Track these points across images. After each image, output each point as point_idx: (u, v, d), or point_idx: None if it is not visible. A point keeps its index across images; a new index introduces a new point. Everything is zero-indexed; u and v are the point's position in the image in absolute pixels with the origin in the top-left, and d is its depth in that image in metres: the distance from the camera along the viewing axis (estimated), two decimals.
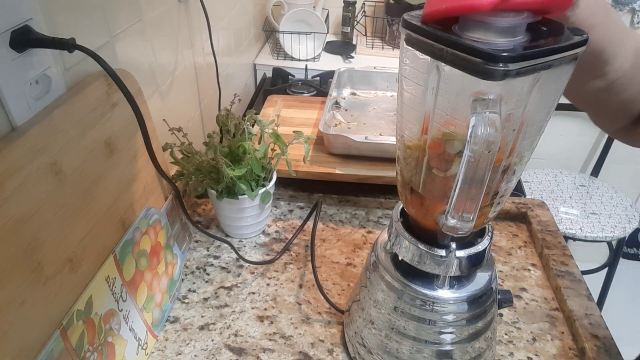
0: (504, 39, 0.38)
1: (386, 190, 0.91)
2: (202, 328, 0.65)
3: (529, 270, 0.77)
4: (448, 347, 0.53)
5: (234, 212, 0.76)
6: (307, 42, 1.57)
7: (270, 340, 0.64)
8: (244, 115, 0.76)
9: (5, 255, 0.41)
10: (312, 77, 1.49)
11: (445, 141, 0.45)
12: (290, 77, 1.49)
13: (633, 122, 0.57)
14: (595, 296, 1.46)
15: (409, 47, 0.42)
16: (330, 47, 1.69)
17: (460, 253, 0.49)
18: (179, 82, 0.90)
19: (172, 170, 0.76)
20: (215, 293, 0.71)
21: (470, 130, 0.38)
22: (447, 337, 0.53)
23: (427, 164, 0.47)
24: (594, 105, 0.56)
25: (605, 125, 0.61)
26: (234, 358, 0.61)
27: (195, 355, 0.62)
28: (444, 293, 0.51)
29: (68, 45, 0.49)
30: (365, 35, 1.80)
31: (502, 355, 0.63)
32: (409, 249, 0.51)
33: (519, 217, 0.87)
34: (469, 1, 0.36)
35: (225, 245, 0.77)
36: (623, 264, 2.01)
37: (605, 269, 1.86)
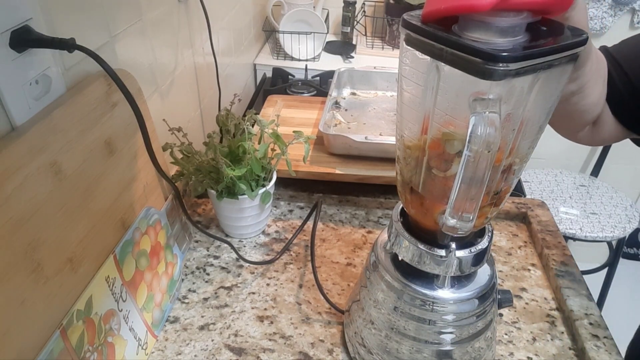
0: (504, 39, 0.38)
1: (386, 190, 0.91)
2: (202, 328, 0.65)
3: (529, 270, 0.77)
4: (448, 347, 0.53)
5: (234, 212, 0.76)
6: (307, 42, 1.57)
7: (270, 340, 0.64)
8: (244, 115, 0.76)
9: (5, 255, 0.41)
10: (312, 77, 1.49)
11: (445, 141, 0.45)
12: (290, 77, 1.49)
13: (585, 130, 0.63)
14: (595, 296, 1.46)
15: (409, 47, 0.42)
16: (330, 47, 1.69)
17: (460, 253, 0.49)
18: (179, 82, 0.90)
19: (172, 170, 0.76)
20: (215, 293, 0.71)
21: (470, 130, 0.38)
22: (447, 337, 0.53)
23: (427, 164, 0.47)
24: (565, 108, 0.59)
25: (569, 130, 0.66)
26: (234, 358, 0.62)
27: (195, 355, 0.62)
28: (444, 293, 0.51)
29: (68, 45, 0.49)
30: (365, 35, 1.80)
31: (502, 355, 0.63)
32: (408, 249, 0.51)
33: (519, 217, 0.87)
34: (468, 1, 0.37)
35: (225, 245, 0.77)
36: (623, 264, 2.01)
37: (605, 269, 1.86)
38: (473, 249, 0.50)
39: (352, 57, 1.64)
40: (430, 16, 0.40)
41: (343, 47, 1.70)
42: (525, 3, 0.38)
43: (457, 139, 0.44)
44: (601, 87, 0.59)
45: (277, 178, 0.80)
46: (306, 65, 1.52)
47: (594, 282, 1.56)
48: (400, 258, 0.53)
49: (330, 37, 1.79)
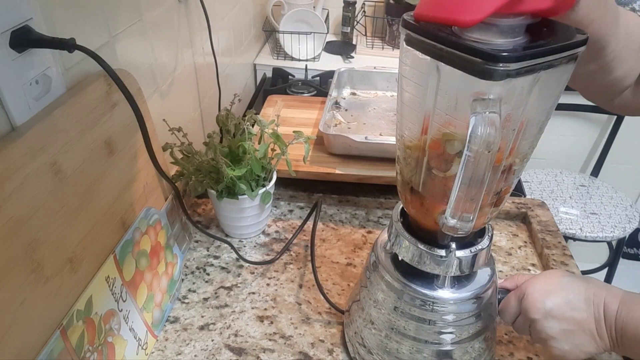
0: (504, 39, 0.38)
1: (386, 190, 0.91)
2: (202, 328, 0.65)
3: (529, 270, 0.77)
4: (448, 347, 0.53)
5: (234, 212, 0.76)
6: (307, 42, 1.57)
7: (270, 340, 0.64)
8: (244, 115, 0.76)
9: (5, 255, 0.41)
10: (312, 77, 1.49)
11: (445, 141, 0.45)
12: (290, 77, 1.49)
13: (624, 94, 0.58)
14: None
15: (409, 47, 0.42)
16: (330, 47, 1.69)
17: (460, 253, 0.49)
18: (179, 82, 0.90)
19: (172, 170, 0.76)
20: (215, 293, 0.71)
21: (470, 130, 0.38)
22: (447, 337, 0.53)
23: (427, 164, 0.47)
24: (586, 84, 0.57)
25: (597, 100, 0.62)
26: (234, 358, 0.62)
27: (195, 355, 0.62)
28: (444, 293, 0.51)
29: (68, 45, 0.49)
30: (365, 35, 1.80)
31: (502, 355, 0.63)
32: (409, 249, 0.51)
33: (519, 217, 0.87)
34: (452, 15, 0.37)
35: (225, 245, 0.77)
36: (623, 264, 2.01)
37: (605, 269, 1.86)
38: (473, 249, 0.50)
39: (352, 57, 1.64)
40: (420, 18, 0.41)
41: (343, 47, 1.70)
42: (523, 10, 0.38)
43: (457, 139, 0.44)
44: (633, 59, 0.53)
45: (277, 178, 0.80)
46: (306, 65, 1.52)
47: None
48: (400, 258, 0.53)
49: (330, 37, 1.79)
